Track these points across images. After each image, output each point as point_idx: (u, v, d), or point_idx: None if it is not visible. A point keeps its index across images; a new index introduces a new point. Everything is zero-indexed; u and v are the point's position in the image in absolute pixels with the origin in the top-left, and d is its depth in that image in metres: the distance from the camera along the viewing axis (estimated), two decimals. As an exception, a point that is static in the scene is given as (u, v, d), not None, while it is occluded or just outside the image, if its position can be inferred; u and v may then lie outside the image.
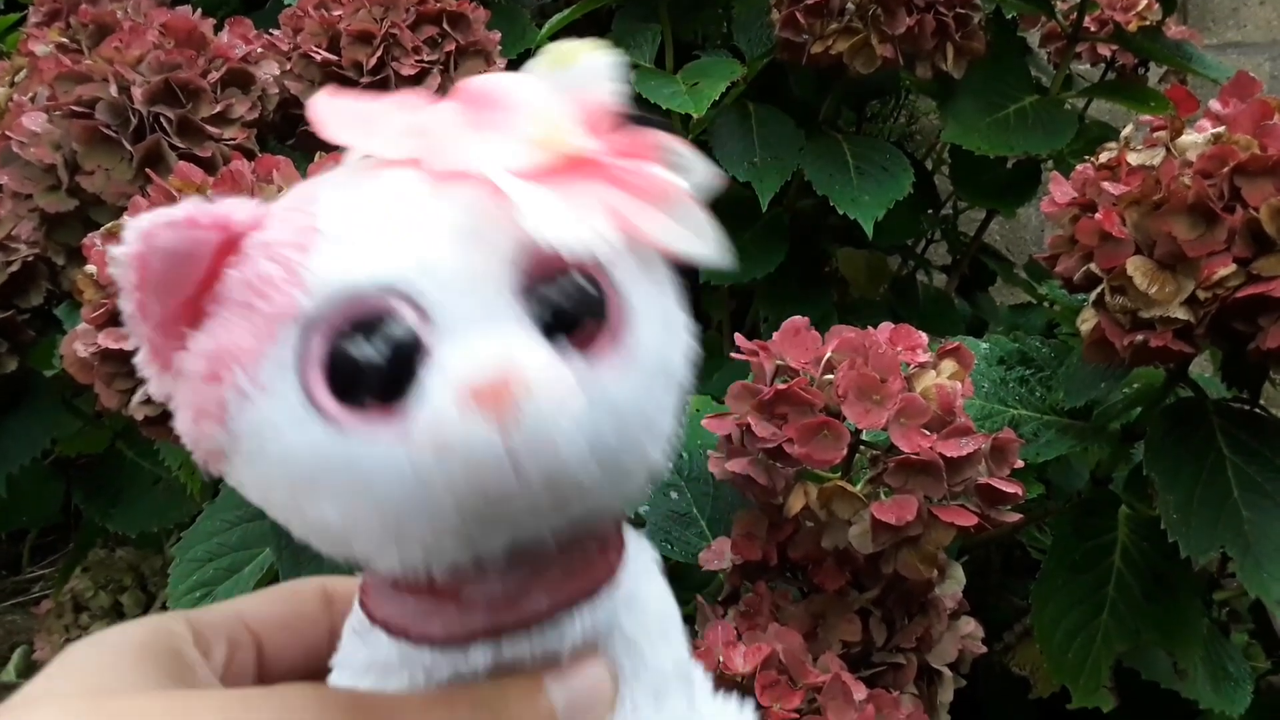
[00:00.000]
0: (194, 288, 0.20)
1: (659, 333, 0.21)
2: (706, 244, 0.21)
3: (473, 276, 0.19)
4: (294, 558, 0.52)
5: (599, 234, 0.19)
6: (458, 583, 0.21)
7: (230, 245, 0.20)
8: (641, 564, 0.24)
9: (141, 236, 0.20)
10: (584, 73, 0.22)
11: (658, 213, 0.20)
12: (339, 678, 0.23)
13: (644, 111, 0.21)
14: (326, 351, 0.19)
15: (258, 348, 0.19)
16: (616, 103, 0.21)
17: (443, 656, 0.22)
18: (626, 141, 0.21)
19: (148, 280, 0.20)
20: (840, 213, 0.79)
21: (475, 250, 0.20)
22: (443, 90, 0.70)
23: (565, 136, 0.20)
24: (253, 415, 0.20)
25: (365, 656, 0.23)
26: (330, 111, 0.21)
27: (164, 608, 0.84)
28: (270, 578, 0.56)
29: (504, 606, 0.21)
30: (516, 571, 0.21)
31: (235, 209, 0.20)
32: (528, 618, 0.22)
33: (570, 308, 0.20)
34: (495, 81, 0.21)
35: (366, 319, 0.19)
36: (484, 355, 0.19)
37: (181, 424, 0.21)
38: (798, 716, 0.45)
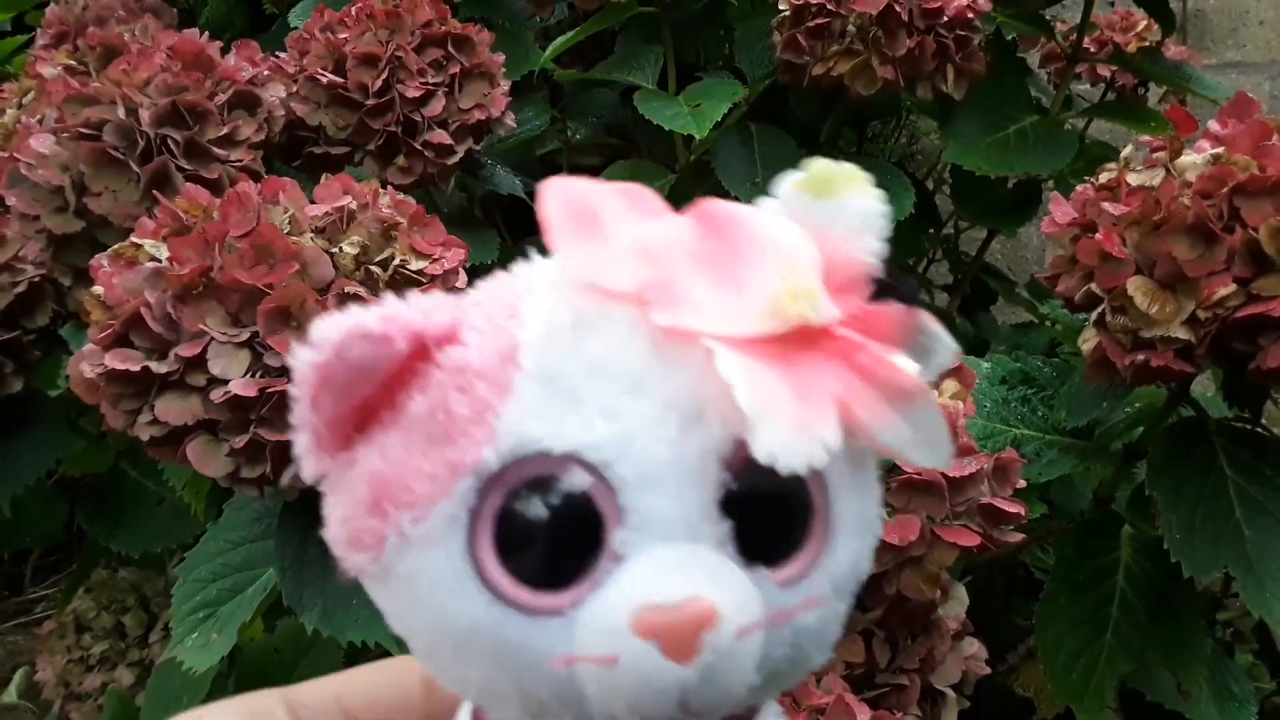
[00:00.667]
0: (374, 393, 0.18)
1: (857, 545, 0.19)
2: (941, 453, 0.18)
3: (678, 473, 0.17)
4: (297, 578, 0.52)
5: (825, 444, 0.17)
6: None
7: (422, 352, 0.18)
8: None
9: (333, 349, 0.18)
10: (843, 213, 0.18)
11: (893, 413, 0.17)
12: None
13: (897, 276, 0.18)
14: (502, 514, 0.18)
15: (430, 493, 0.18)
16: (872, 263, 0.18)
17: None
18: (874, 314, 0.18)
19: (328, 386, 0.18)
20: (842, 233, 0.79)
21: (686, 440, 0.17)
22: (448, 109, 0.71)
23: (807, 299, 0.17)
24: (411, 562, 0.18)
25: None
26: (559, 214, 0.18)
27: (166, 628, 0.84)
28: (274, 598, 0.56)
29: None
30: None
31: (432, 313, 0.18)
32: None
33: (774, 522, 0.18)
34: (742, 212, 0.19)
35: (551, 486, 0.17)
36: (676, 580, 0.17)
37: (331, 530, 0.19)
38: (801, 737, 0.45)
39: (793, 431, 0.16)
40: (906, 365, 0.18)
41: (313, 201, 0.52)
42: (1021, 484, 0.51)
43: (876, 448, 0.18)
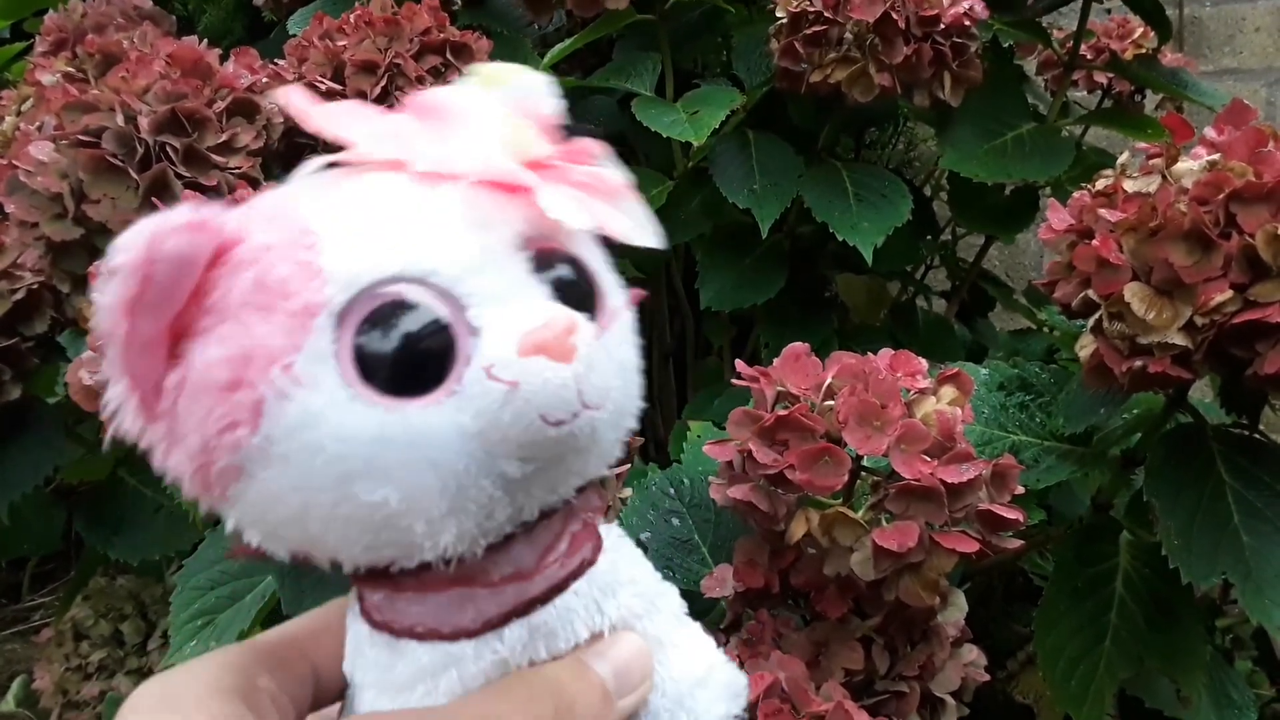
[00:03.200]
0: (189, 299, 0.20)
1: (622, 304, 0.24)
2: (650, 233, 0.23)
3: (491, 260, 0.21)
4: (296, 584, 0.52)
5: (588, 217, 0.22)
6: (485, 562, 0.22)
7: (220, 253, 0.20)
8: (615, 535, 0.26)
9: (148, 242, 0.19)
10: (522, 89, 0.24)
11: (612, 208, 0.23)
12: (379, 701, 0.23)
13: (575, 123, 0.24)
14: (362, 340, 0.20)
15: (290, 343, 0.20)
16: (556, 114, 0.24)
17: (482, 645, 0.22)
18: (571, 147, 0.23)
19: (147, 293, 0.19)
20: (840, 239, 0.79)
21: (485, 237, 0.21)
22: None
23: (526, 140, 0.23)
24: (295, 411, 0.20)
25: (404, 670, 0.23)
26: (306, 107, 0.22)
27: (164, 636, 0.83)
28: (273, 605, 0.56)
29: (527, 577, 0.23)
30: (536, 539, 0.23)
31: (219, 214, 0.21)
32: (549, 588, 0.23)
33: (569, 285, 0.22)
34: (445, 95, 0.23)
35: (394, 306, 0.20)
36: (533, 314, 0.21)
37: (183, 450, 0.20)
38: (800, 744, 0.45)
39: (568, 200, 0.22)
40: (610, 173, 0.23)
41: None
42: (1020, 490, 0.51)
43: (607, 233, 0.23)
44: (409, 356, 0.20)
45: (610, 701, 0.23)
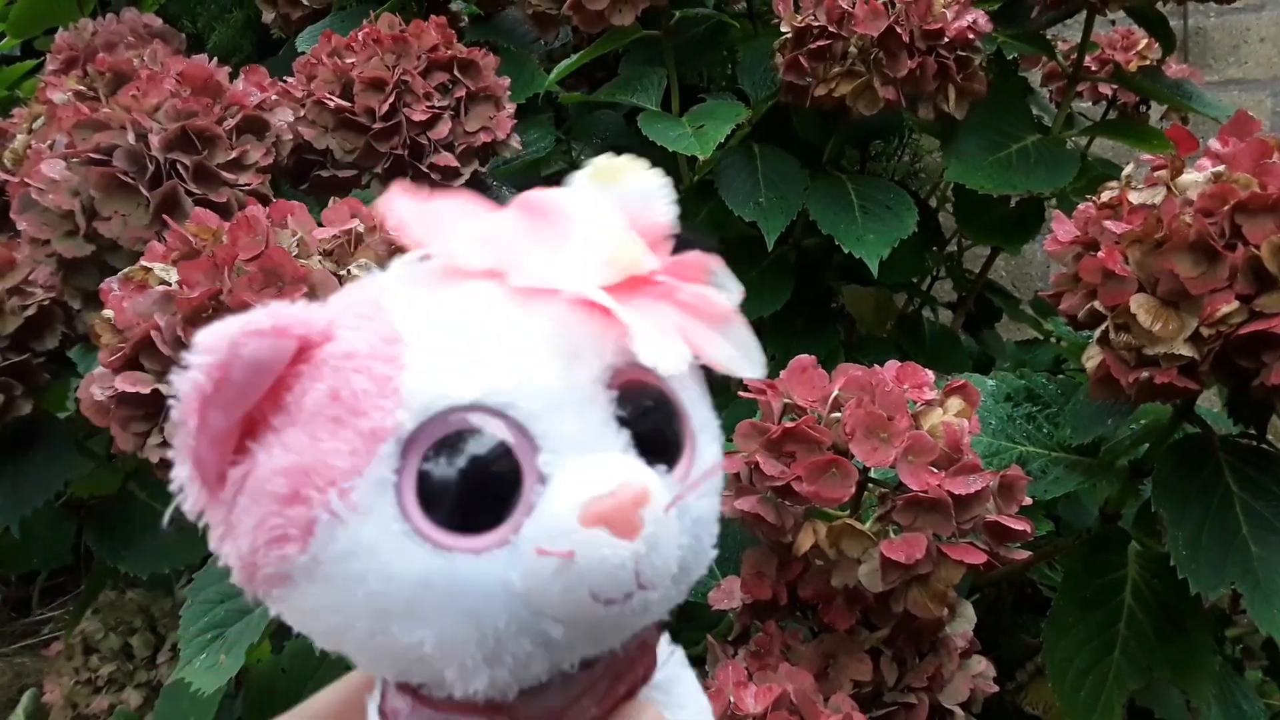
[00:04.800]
0: (262, 399, 0.20)
1: (716, 450, 0.22)
2: (756, 364, 0.22)
3: (574, 398, 0.20)
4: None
5: (685, 357, 0.20)
6: (515, 700, 0.21)
7: (301, 354, 0.20)
8: (677, 659, 0.25)
9: (229, 345, 0.19)
10: (634, 190, 0.22)
11: (717, 335, 0.21)
12: None
13: (689, 232, 0.23)
14: (425, 466, 0.19)
15: (352, 466, 0.19)
16: (669, 223, 0.22)
17: None
18: (681, 262, 0.22)
19: (222, 392, 0.19)
20: (846, 251, 0.79)
21: (572, 370, 0.20)
22: (454, 132, 0.71)
23: (633, 255, 0.21)
24: (345, 537, 0.19)
25: None
26: (407, 214, 0.21)
27: (174, 650, 0.84)
28: (280, 620, 0.56)
29: (557, 715, 0.22)
30: (574, 683, 0.22)
31: (306, 315, 0.20)
32: None
33: (652, 426, 0.21)
34: (555, 195, 0.22)
35: (465, 436, 0.19)
36: (604, 475, 0.19)
37: (236, 543, 0.20)
38: (809, 756, 0.45)
39: (664, 341, 0.20)
40: (718, 296, 0.22)
41: (321, 224, 0.53)
42: (1027, 501, 0.51)
43: (708, 363, 0.21)
44: (472, 489, 0.19)
45: None
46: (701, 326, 0.21)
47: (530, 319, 0.20)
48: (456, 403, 0.19)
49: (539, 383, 0.20)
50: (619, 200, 0.22)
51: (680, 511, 0.21)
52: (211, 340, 0.19)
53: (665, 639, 0.25)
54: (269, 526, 0.19)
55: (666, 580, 0.20)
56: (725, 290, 0.22)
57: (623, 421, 0.20)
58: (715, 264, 0.22)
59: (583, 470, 0.19)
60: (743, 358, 0.22)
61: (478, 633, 0.19)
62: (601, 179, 0.22)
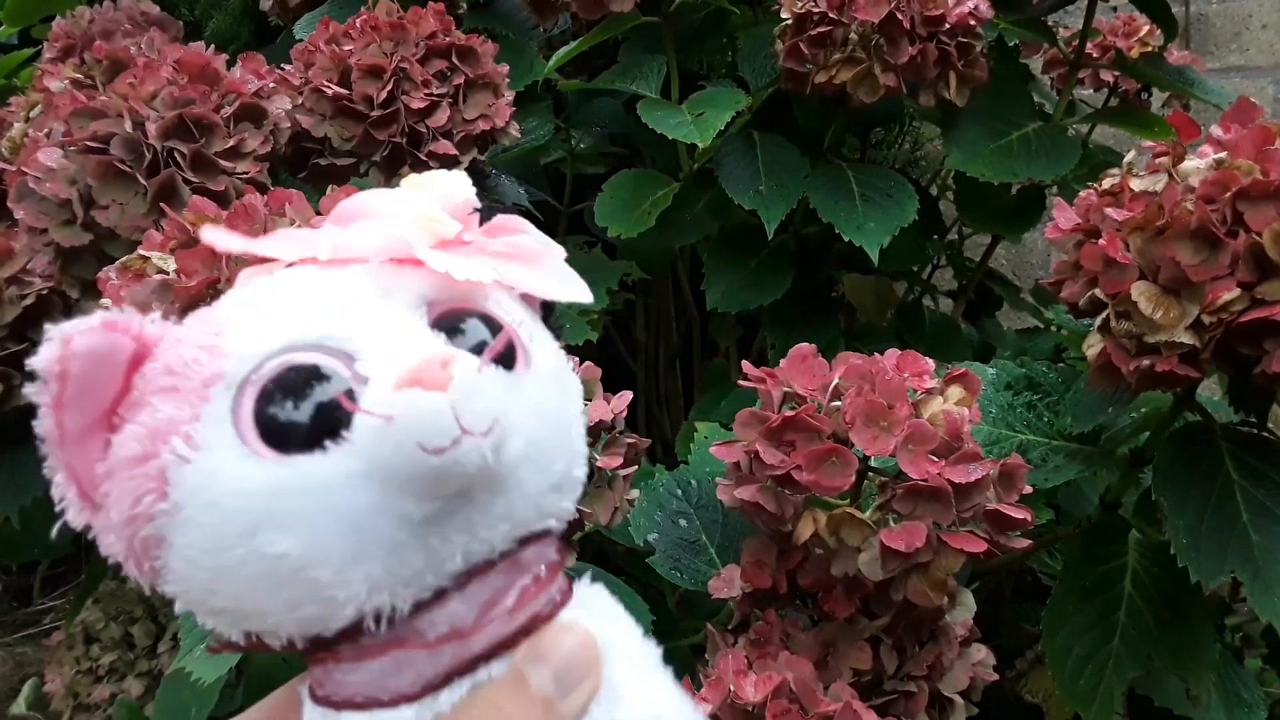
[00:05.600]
0: (111, 397, 0.22)
1: (553, 354, 0.25)
2: (577, 289, 0.24)
3: (388, 321, 0.22)
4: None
5: (494, 271, 0.23)
6: (420, 623, 0.22)
7: (141, 355, 0.22)
8: (599, 590, 0.26)
9: (61, 342, 0.21)
10: (442, 187, 0.25)
11: (534, 270, 0.24)
12: None
13: (490, 204, 0.26)
14: (259, 404, 0.21)
15: (190, 413, 0.21)
16: (470, 201, 0.25)
17: (423, 709, 0.22)
18: (491, 225, 0.25)
19: (68, 389, 0.21)
20: (846, 239, 0.79)
21: (384, 303, 0.22)
22: (453, 120, 0.71)
23: (438, 221, 0.24)
24: (194, 474, 0.21)
25: None
26: (233, 242, 0.23)
27: (175, 639, 0.84)
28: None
29: (466, 635, 0.22)
30: (474, 593, 0.22)
31: (144, 320, 0.22)
32: (493, 644, 0.22)
33: (481, 338, 0.23)
34: (364, 197, 0.25)
35: (291, 372, 0.21)
36: (412, 351, 0.21)
37: (114, 530, 0.22)
38: (809, 745, 0.45)
39: (467, 261, 0.23)
40: (526, 239, 0.24)
41: (319, 213, 0.53)
42: (1028, 490, 0.51)
43: (532, 292, 0.24)
44: (302, 413, 0.21)
45: (553, 708, 0.22)
46: (517, 266, 0.24)
47: (342, 278, 0.23)
48: (276, 347, 0.21)
49: (349, 315, 0.22)
50: (425, 192, 0.25)
51: (516, 390, 0.22)
52: (46, 345, 0.21)
53: (589, 579, 0.25)
54: (130, 490, 0.21)
55: (495, 428, 0.21)
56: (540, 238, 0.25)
57: (441, 329, 0.22)
58: (520, 222, 0.25)
59: (396, 357, 0.21)
60: (562, 284, 0.24)
61: (335, 525, 0.20)
62: (414, 188, 0.25)
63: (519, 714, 0.22)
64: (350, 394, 0.21)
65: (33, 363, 0.21)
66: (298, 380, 0.21)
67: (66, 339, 0.21)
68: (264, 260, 0.24)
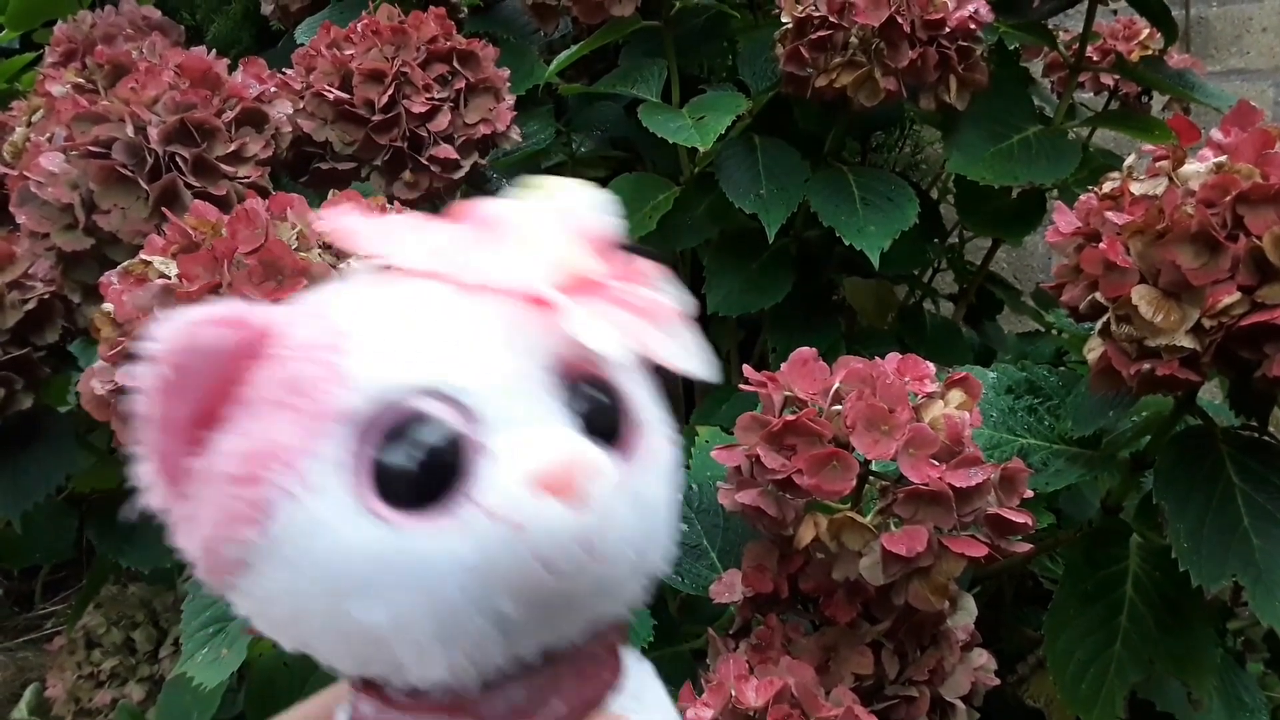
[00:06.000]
0: (221, 392, 0.20)
1: (664, 440, 0.23)
2: (697, 359, 0.23)
3: (515, 379, 0.21)
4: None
5: (626, 345, 0.21)
6: (478, 694, 0.21)
7: (254, 347, 0.20)
8: (646, 670, 0.25)
9: (187, 334, 0.20)
10: (578, 204, 0.24)
11: (663, 334, 0.22)
12: None
13: (634, 244, 0.24)
14: (378, 452, 0.20)
15: (305, 446, 0.20)
16: (612, 233, 0.24)
17: None
18: (624, 267, 0.23)
19: (179, 381, 0.20)
20: (847, 243, 0.79)
21: (512, 355, 0.21)
22: (454, 124, 0.71)
23: (578, 259, 0.22)
24: (300, 516, 0.20)
25: None
26: (358, 226, 0.22)
27: (176, 644, 0.84)
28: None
29: (524, 716, 0.22)
30: (537, 678, 0.22)
31: (259, 310, 0.21)
32: None
33: (599, 413, 0.22)
34: (502, 207, 0.23)
35: (414, 420, 0.20)
36: (548, 446, 0.20)
37: (197, 533, 0.21)
38: (810, 749, 0.45)
39: (601, 325, 0.21)
40: (663, 298, 0.23)
41: (320, 217, 0.53)
42: (1029, 494, 0.51)
43: (655, 359, 0.22)
44: (424, 472, 0.20)
45: None
46: (647, 326, 0.22)
47: (474, 310, 0.21)
48: (403, 388, 0.20)
49: (484, 367, 0.20)
50: (564, 213, 0.23)
51: (632, 495, 0.21)
52: (170, 330, 0.20)
53: (636, 654, 0.25)
54: (226, 509, 0.20)
55: (620, 558, 0.20)
56: (669, 294, 0.23)
57: (570, 406, 0.21)
58: (660, 272, 0.23)
59: (530, 442, 0.20)
60: (688, 356, 0.23)
61: (431, 608, 0.19)
62: (546, 196, 0.24)
63: None
64: (471, 456, 0.20)
65: (146, 345, 0.20)
66: (424, 433, 0.20)
67: (194, 333, 0.20)
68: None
